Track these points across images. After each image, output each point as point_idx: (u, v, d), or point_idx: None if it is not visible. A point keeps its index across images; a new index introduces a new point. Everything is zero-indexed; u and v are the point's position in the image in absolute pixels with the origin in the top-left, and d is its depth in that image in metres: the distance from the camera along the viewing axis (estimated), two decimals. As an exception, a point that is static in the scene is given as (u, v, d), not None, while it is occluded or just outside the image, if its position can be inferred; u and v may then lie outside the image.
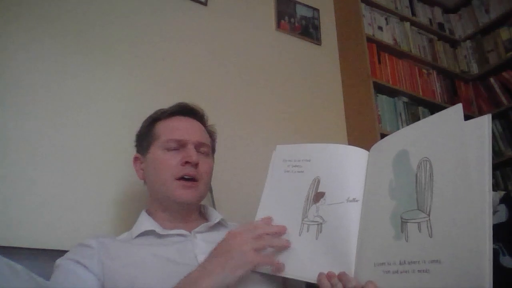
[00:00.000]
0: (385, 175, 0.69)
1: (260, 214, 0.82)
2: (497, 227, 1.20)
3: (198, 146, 0.93)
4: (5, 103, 1.14)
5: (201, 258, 0.78)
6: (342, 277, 0.66)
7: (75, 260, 0.79)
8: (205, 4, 1.66)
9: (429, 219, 0.58)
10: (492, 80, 2.26)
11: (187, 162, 0.89)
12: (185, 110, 1.00)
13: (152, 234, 0.86)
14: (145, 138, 0.97)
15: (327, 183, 0.76)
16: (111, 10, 1.42)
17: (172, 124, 0.95)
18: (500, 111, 2.20)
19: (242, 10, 1.78)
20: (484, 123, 0.58)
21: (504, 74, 2.22)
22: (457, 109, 0.61)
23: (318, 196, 0.76)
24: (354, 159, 0.76)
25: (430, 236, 0.57)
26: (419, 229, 0.59)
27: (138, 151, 1.00)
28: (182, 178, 0.89)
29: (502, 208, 1.24)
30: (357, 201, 0.72)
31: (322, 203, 0.74)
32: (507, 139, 2.17)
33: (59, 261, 0.81)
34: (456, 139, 0.59)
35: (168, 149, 0.91)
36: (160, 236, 0.86)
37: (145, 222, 0.89)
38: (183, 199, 0.89)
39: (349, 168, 0.76)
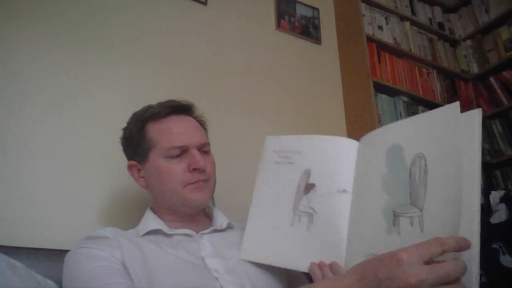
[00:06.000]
0: (377, 168, 0.70)
1: (254, 206, 0.84)
2: (497, 226, 1.21)
3: (200, 147, 0.90)
4: (4, 102, 1.14)
5: (208, 260, 0.79)
6: (333, 266, 0.68)
7: (95, 248, 0.74)
8: (205, 3, 1.66)
9: (422, 215, 0.59)
10: (492, 79, 2.26)
11: (195, 169, 0.86)
12: (177, 108, 0.94)
13: (158, 233, 0.86)
14: (139, 145, 0.91)
15: (318, 174, 0.77)
16: (110, 10, 1.42)
17: (169, 128, 0.89)
18: (500, 111, 2.20)
19: (242, 9, 1.78)
20: (474, 116, 0.59)
21: (504, 73, 2.22)
22: (455, 107, 0.61)
23: (309, 188, 0.77)
24: (344, 150, 0.77)
25: (421, 231, 0.58)
26: (411, 224, 0.60)
27: (131, 158, 0.94)
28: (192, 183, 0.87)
29: (502, 207, 1.24)
30: (347, 192, 0.73)
31: (313, 194, 0.76)
32: (507, 139, 2.17)
33: (72, 253, 0.76)
34: (453, 136, 0.60)
35: (171, 157, 0.86)
36: (167, 235, 0.85)
37: (152, 221, 0.88)
38: (198, 202, 0.87)
39: (339, 159, 0.77)
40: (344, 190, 0.73)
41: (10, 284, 0.69)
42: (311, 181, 0.78)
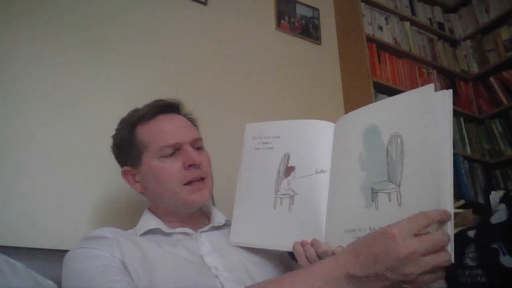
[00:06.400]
0: (354, 147, 0.72)
1: (239, 193, 0.87)
2: (497, 227, 1.20)
3: (193, 143, 0.89)
4: (4, 102, 1.14)
5: (207, 258, 0.79)
6: (314, 243, 0.71)
7: (94, 248, 0.74)
8: (205, 3, 1.66)
9: (399, 190, 0.62)
10: (492, 79, 2.26)
11: (190, 165, 0.86)
12: (165, 108, 0.93)
13: (157, 233, 0.86)
14: (130, 149, 0.89)
15: (297, 157, 0.81)
16: (111, 10, 1.42)
17: (159, 128, 0.88)
18: (500, 111, 2.20)
19: (242, 9, 1.78)
20: (445, 96, 0.62)
21: (504, 73, 2.22)
22: (429, 88, 0.64)
23: (289, 171, 0.80)
24: (321, 132, 0.81)
25: (399, 205, 0.61)
26: (389, 199, 0.63)
27: (125, 164, 0.92)
28: (190, 182, 0.86)
29: (502, 207, 1.24)
30: (325, 172, 0.76)
31: (293, 177, 0.79)
32: (507, 139, 2.17)
33: (72, 253, 0.75)
34: (427, 116, 0.63)
35: (165, 156, 0.86)
36: (165, 234, 0.85)
37: (150, 221, 0.88)
38: (198, 202, 0.87)
39: (316, 141, 0.80)
40: (322, 171, 0.76)
41: (10, 284, 0.69)
42: (290, 164, 0.81)
